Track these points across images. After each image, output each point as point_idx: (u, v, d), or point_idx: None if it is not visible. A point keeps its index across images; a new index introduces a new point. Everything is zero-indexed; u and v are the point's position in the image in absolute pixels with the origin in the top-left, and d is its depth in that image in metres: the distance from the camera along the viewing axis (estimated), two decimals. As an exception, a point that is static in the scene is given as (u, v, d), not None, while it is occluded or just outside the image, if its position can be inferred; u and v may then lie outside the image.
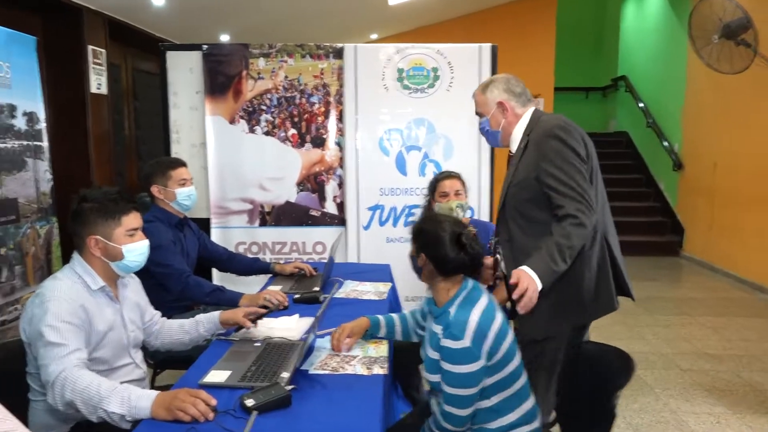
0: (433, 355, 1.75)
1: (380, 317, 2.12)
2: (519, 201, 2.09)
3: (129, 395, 1.55)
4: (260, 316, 2.18)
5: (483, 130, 2.28)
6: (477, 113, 2.27)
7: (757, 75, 5.20)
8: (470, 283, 1.79)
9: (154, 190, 2.74)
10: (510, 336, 1.75)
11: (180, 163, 2.80)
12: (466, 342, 1.64)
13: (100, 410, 1.55)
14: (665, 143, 7.86)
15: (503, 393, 1.74)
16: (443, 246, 1.74)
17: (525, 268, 1.87)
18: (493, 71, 3.81)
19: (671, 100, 7.78)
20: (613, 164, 9.03)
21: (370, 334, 2.11)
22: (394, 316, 2.12)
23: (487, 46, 3.82)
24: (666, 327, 4.61)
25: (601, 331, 4.61)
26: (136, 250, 1.88)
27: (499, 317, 1.73)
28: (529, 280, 1.83)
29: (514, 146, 2.20)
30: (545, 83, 8.04)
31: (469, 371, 1.65)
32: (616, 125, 10.03)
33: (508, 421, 1.75)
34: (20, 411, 1.82)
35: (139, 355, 2.02)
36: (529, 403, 1.80)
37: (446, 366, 1.67)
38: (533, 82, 7.91)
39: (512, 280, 1.83)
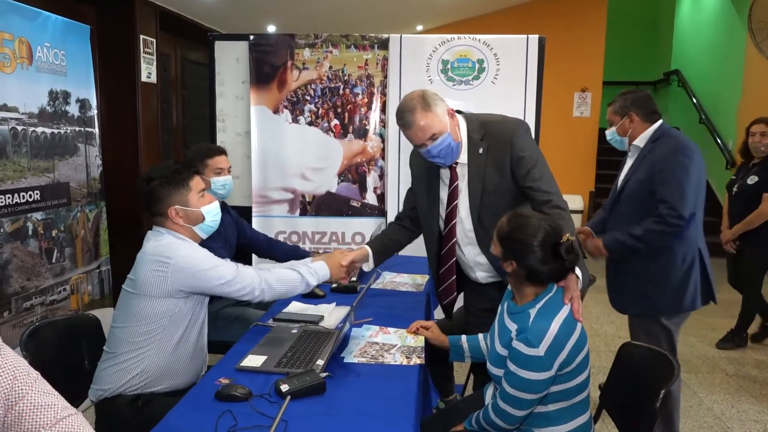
0: (501, 351, 1.71)
1: (462, 336, 2.07)
2: (501, 206, 2.00)
3: (314, 268, 2.09)
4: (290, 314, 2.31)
5: (446, 149, 2.02)
6: (431, 137, 1.99)
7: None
8: (554, 287, 1.71)
9: None
10: (586, 348, 1.68)
11: (218, 152, 2.79)
12: (540, 351, 1.58)
13: (302, 285, 2.05)
14: (718, 140, 7.57)
15: (562, 403, 1.69)
16: (536, 256, 1.63)
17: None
18: (540, 63, 3.73)
19: (727, 95, 7.49)
20: (662, 161, 8.76)
21: (454, 356, 2.10)
22: (479, 335, 2.06)
23: (534, 38, 3.74)
24: (712, 330, 4.45)
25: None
26: (213, 210, 2.00)
27: (579, 328, 1.66)
28: (575, 283, 1.73)
29: (462, 156, 2.10)
30: (594, 77, 7.85)
31: (535, 379, 1.60)
32: (667, 121, 9.67)
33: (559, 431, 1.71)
34: (68, 387, 1.88)
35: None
36: (585, 417, 1.75)
37: (512, 367, 1.63)
38: (581, 76, 7.82)
39: (560, 283, 1.73)
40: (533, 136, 3.70)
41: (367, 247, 2.37)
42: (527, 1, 7.75)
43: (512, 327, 1.69)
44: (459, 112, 2.16)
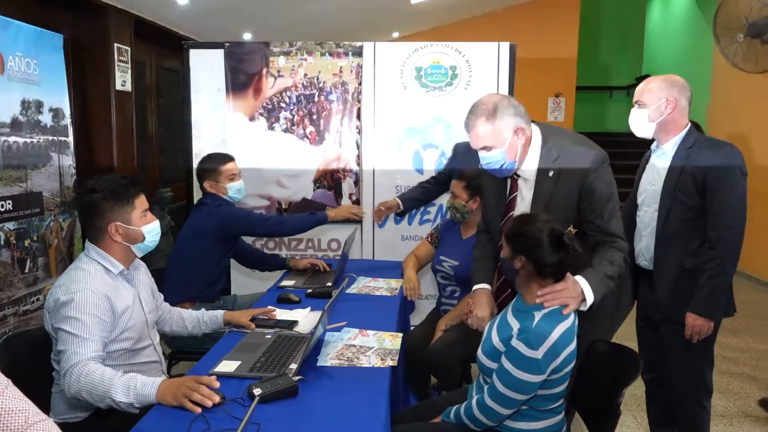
0: (498, 345, 1.74)
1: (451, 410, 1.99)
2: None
3: (135, 383, 1.61)
4: (266, 318, 2.25)
5: (494, 164, 1.95)
6: (484, 147, 1.93)
7: (785, 74, 5.11)
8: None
9: (207, 185, 2.88)
10: (573, 363, 1.73)
11: (228, 159, 2.95)
12: (538, 354, 1.63)
13: (108, 399, 1.61)
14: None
15: (540, 405, 1.75)
16: (543, 247, 1.70)
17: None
18: (512, 70, 3.81)
19: (696, 99, 7.58)
20: (635, 164, 8.92)
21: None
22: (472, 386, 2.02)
23: (505, 45, 3.81)
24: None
25: (617, 334, 4.57)
26: (154, 230, 1.96)
27: (574, 342, 1.72)
28: (570, 289, 1.77)
29: (527, 173, 2.02)
30: (567, 82, 7.99)
31: (528, 380, 1.65)
32: (640, 125, 9.90)
33: (528, 428, 1.76)
34: (40, 397, 1.89)
35: (156, 337, 2.09)
36: (557, 418, 1.81)
37: (507, 365, 1.67)
38: (555, 81, 7.95)
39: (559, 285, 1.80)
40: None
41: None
42: (502, 8, 7.86)
43: (515, 325, 1.73)
44: (541, 123, 2.05)
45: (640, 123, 2.31)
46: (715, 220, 2.14)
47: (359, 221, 3.13)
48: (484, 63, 3.82)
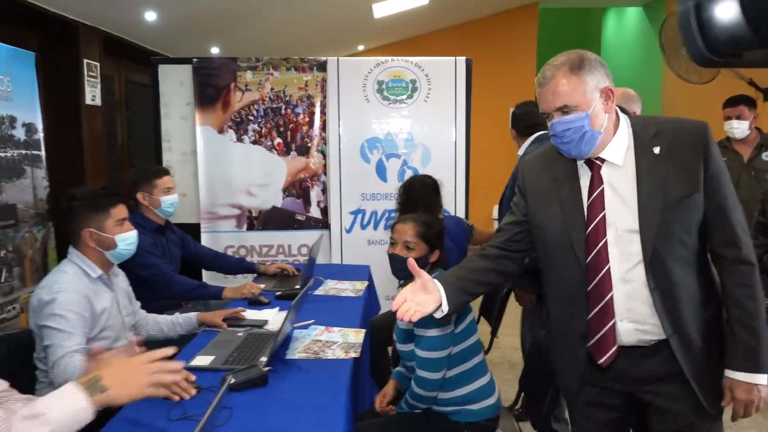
0: (407, 326, 1.96)
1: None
2: (685, 227, 1.48)
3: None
4: (238, 318, 2.39)
5: (574, 133, 1.48)
6: (563, 108, 1.49)
7: (727, 85, 5.43)
8: (439, 270, 2.04)
9: (140, 197, 2.87)
10: (472, 314, 2.01)
11: (165, 172, 2.95)
12: None
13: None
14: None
15: (463, 365, 1.97)
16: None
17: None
18: (468, 84, 4.02)
19: (648, 110, 7.98)
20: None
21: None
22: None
23: (462, 60, 4.03)
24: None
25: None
26: (128, 239, 2.10)
27: None
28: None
29: (615, 155, 1.53)
30: (527, 95, 8.24)
31: (439, 335, 1.88)
32: (598, 133, 10.25)
33: (462, 393, 1.97)
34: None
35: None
36: (485, 379, 2.02)
37: (420, 331, 1.90)
38: (514, 94, 8.10)
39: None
40: (464, 147, 4.02)
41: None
42: (462, 22, 8.13)
43: None
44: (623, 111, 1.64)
45: None
46: None
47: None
48: (442, 76, 4.03)
